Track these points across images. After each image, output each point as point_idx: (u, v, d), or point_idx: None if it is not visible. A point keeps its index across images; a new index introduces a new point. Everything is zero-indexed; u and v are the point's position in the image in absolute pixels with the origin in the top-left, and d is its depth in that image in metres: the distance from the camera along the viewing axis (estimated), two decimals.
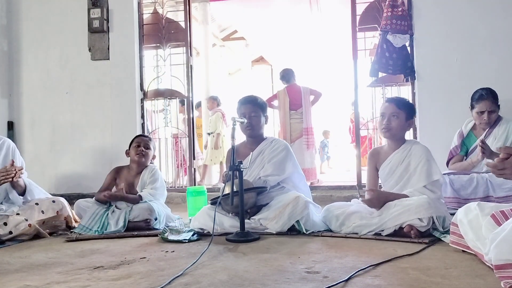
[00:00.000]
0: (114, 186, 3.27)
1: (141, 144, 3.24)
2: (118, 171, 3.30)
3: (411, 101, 3.02)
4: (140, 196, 3.10)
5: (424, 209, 2.38)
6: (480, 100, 3.35)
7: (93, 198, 3.17)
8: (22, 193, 2.99)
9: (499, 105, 3.37)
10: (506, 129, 3.30)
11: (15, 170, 2.78)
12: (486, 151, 3.02)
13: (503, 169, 1.68)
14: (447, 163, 3.53)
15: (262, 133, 3.13)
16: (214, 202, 2.82)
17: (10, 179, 2.78)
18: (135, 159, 3.24)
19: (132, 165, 3.29)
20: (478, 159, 3.25)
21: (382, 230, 2.50)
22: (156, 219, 2.99)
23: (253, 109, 3.04)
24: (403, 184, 2.73)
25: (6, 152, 3.00)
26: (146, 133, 4.96)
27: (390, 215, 2.48)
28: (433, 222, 2.41)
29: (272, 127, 10.68)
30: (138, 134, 3.35)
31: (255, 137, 3.09)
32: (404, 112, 2.77)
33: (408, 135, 4.43)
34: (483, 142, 3.06)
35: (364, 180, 4.59)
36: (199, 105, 7.13)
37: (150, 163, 3.33)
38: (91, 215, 2.96)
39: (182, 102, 5.48)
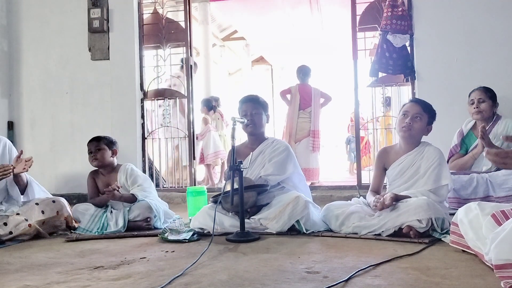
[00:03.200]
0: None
1: (92, 151, 3.20)
2: (94, 173, 3.28)
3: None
4: (133, 194, 3.07)
5: (423, 210, 2.37)
6: (471, 92, 3.49)
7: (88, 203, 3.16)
8: (23, 190, 3.00)
9: (497, 103, 3.41)
10: (506, 127, 3.32)
11: (28, 160, 2.86)
12: (486, 138, 3.01)
13: (506, 158, 1.66)
14: (447, 162, 3.53)
15: (263, 132, 3.14)
16: (215, 200, 2.83)
17: (8, 174, 2.82)
18: (93, 166, 3.24)
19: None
20: (478, 150, 3.25)
21: (382, 231, 2.49)
22: (155, 216, 2.99)
23: (255, 107, 3.05)
24: (410, 185, 2.72)
25: (3, 151, 3.02)
26: (146, 133, 4.96)
27: (390, 216, 2.48)
28: (432, 224, 2.41)
29: (272, 127, 10.66)
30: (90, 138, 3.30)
31: (256, 135, 3.09)
32: (427, 116, 2.74)
33: None
34: (483, 127, 3.05)
35: (364, 180, 4.62)
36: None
37: (112, 156, 3.25)
38: (90, 217, 2.96)
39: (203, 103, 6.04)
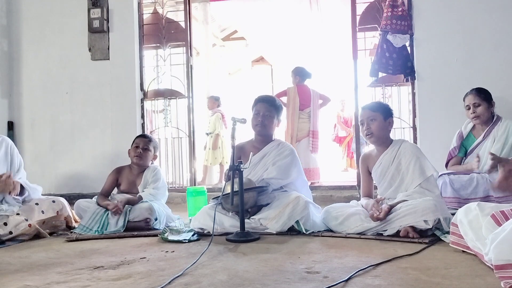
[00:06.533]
0: (116, 187, 3.28)
1: (139, 146, 3.23)
2: (119, 170, 3.30)
3: (385, 103, 3.01)
4: (140, 196, 3.08)
5: (431, 211, 2.38)
6: (465, 97, 3.46)
7: (94, 199, 3.15)
8: (20, 194, 2.97)
9: (492, 102, 3.38)
10: (506, 129, 3.29)
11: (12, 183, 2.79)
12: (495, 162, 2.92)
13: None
14: (446, 164, 3.53)
15: (272, 134, 3.13)
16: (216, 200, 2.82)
17: (8, 192, 2.80)
18: (133, 161, 3.25)
19: (133, 165, 3.29)
20: (473, 168, 3.24)
21: (385, 230, 2.49)
22: (156, 219, 2.99)
23: (269, 109, 3.03)
24: (398, 185, 2.73)
25: (6, 151, 3.01)
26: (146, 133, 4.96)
27: (396, 215, 2.47)
28: (438, 223, 2.41)
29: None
30: (139, 134, 3.27)
31: (263, 136, 3.08)
32: (380, 114, 2.79)
33: (408, 135, 4.46)
34: (492, 155, 2.89)
35: None
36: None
37: (151, 163, 3.32)
38: (91, 215, 2.96)
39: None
